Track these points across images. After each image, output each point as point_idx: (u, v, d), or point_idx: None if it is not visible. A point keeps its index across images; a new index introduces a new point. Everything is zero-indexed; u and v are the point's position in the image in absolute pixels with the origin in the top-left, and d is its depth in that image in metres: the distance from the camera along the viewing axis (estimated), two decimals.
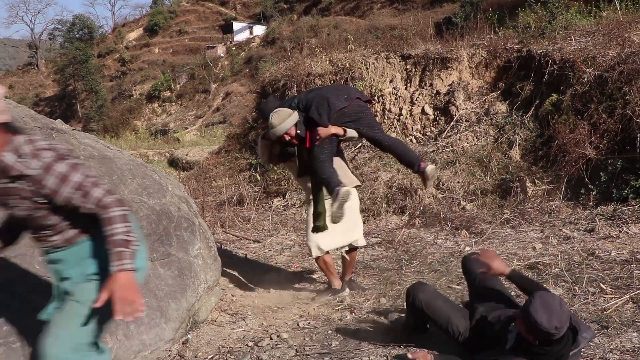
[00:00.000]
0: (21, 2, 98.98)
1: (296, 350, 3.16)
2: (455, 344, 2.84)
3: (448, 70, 8.65)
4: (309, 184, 3.97)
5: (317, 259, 4.04)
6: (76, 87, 53.38)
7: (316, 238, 3.93)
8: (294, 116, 3.71)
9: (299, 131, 3.75)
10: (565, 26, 9.16)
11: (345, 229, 3.95)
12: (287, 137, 3.76)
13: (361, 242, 4.17)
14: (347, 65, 9.16)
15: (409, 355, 2.64)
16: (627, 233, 5.14)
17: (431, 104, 8.61)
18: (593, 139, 6.39)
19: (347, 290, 4.14)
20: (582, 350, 2.67)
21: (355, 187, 4.04)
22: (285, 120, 3.69)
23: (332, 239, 3.97)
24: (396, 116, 8.79)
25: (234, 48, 51.53)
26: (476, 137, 7.82)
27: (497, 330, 2.61)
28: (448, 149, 7.83)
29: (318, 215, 3.93)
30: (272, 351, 3.16)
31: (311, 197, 4.01)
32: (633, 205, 5.71)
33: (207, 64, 48.49)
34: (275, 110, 3.74)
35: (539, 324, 2.25)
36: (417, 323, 3.16)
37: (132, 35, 63.12)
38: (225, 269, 4.60)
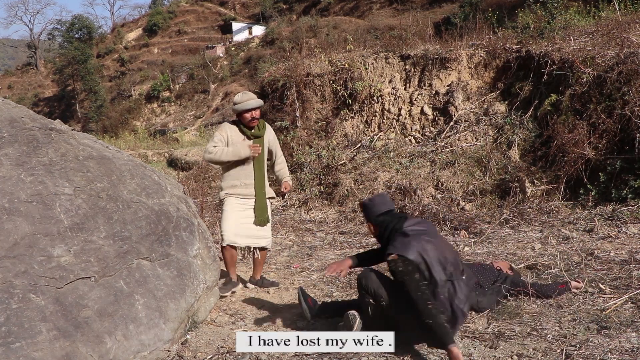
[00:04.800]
0: (20, 2, 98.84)
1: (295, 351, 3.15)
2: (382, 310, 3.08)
3: (447, 70, 8.65)
4: (252, 179, 4.27)
5: (224, 247, 4.31)
6: (75, 87, 53.39)
7: (230, 230, 4.26)
8: (260, 101, 4.22)
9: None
10: (564, 26, 9.18)
11: (254, 234, 4.33)
12: (250, 116, 4.16)
13: (267, 244, 4.48)
14: (346, 65, 9.16)
15: (327, 273, 3.21)
16: (626, 233, 5.15)
17: (430, 104, 8.61)
18: (592, 139, 6.40)
19: (240, 285, 4.50)
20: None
21: (270, 198, 4.45)
22: (252, 98, 4.19)
23: (242, 239, 4.31)
24: (395, 116, 8.80)
25: (233, 48, 51.52)
26: (475, 138, 7.83)
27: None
28: (447, 149, 7.84)
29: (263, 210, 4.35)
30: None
31: (236, 187, 4.29)
32: (632, 206, 5.71)
33: (206, 64, 48.48)
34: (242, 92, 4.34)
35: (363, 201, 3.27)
36: (362, 304, 3.25)
37: (131, 35, 63.10)
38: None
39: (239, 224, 4.29)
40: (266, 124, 4.41)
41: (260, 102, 4.22)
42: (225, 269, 4.45)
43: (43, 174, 3.12)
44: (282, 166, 4.56)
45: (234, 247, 4.34)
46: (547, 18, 10.16)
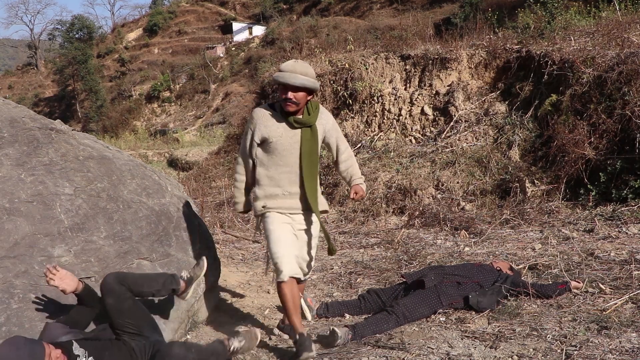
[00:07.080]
0: (20, 2, 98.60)
1: None
2: None
3: (447, 70, 8.65)
4: (298, 187, 3.06)
5: (282, 283, 2.98)
6: (75, 87, 53.39)
7: (286, 255, 2.99)
8: (305, 79, 2.89)
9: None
10: (564, 26, 9.17)
11: (302, 258, 3.13)
12: (282, 95, 2.93)
13: (310, 271, 3.30)
14: (347, 65, 9.17)
15: None
16: (627, 233, 5.15)
17: (430, 104, 8.61)
18: (592, 139, 6.40)
19: (314, 349, 2.90)
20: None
21: (323, 212, 3.21)
22: (294, 71, 2.89)
23: (301, 265, 3.13)
24: (395, 116, 8.80)
25: (233, 48, 51.52)
26: (475, 138, 7.83)
27: None
28: (447, 150, 7.84)
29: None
30: (271, 351, 3.16)
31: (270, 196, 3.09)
32: (632, 206, 5.71)
33: (206, 65, 48.49)
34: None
35: None
36: None
37: (132, 35, 63.08)
38: (224, 269, 4.60)
39: (295, 246, 3.06)
40: (321, 107, 3.11)
41: (304, 80, 2.87)
42: (284, 313, 3.24)
43: (43, 174, 3.12)
44: (348, 164, 3.23)
45: (295, 280, 3.02)
46: (547, 18, 10.15)
